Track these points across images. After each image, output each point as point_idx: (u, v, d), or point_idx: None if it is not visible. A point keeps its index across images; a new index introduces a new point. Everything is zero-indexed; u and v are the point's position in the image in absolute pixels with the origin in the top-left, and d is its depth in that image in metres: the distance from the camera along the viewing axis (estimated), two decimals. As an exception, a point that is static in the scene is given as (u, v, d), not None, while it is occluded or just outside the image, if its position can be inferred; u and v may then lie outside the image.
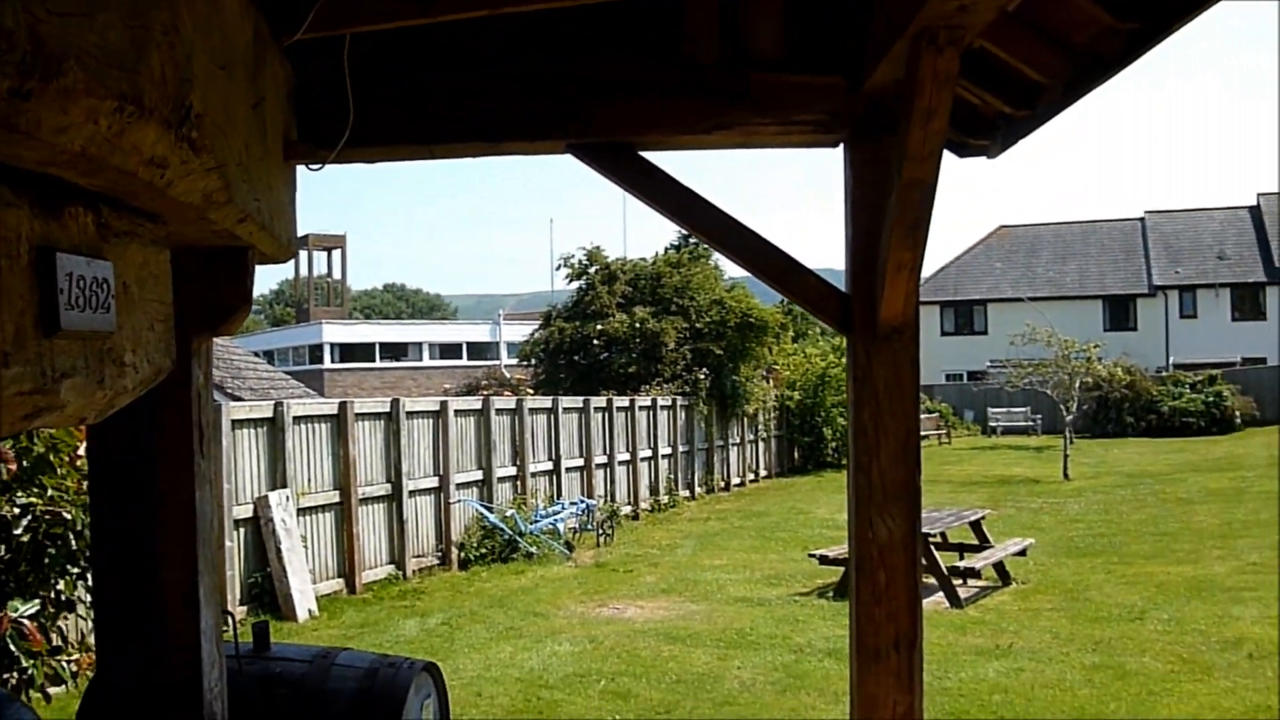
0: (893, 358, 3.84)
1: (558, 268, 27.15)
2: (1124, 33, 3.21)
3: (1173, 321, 49.94)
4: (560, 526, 15.92)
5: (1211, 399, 36.84)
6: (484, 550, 14.66)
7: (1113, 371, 30.96)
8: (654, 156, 3.94)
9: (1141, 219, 54.04)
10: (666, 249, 28.03)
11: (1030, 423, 38.45)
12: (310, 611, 11.29)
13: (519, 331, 41.61)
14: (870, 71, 3.46)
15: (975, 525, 13.30)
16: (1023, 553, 13.19)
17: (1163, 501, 19.70)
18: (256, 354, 32.65)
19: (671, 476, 22.28)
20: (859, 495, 3.88)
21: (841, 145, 3.94)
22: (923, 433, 33.24)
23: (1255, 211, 52.31)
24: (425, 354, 51.68)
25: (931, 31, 2.91)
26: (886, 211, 3.53)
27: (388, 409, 13.64)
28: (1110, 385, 34.46)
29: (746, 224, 3.99)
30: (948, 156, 4.52)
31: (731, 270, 29.65)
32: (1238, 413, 36.75)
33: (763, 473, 27.44)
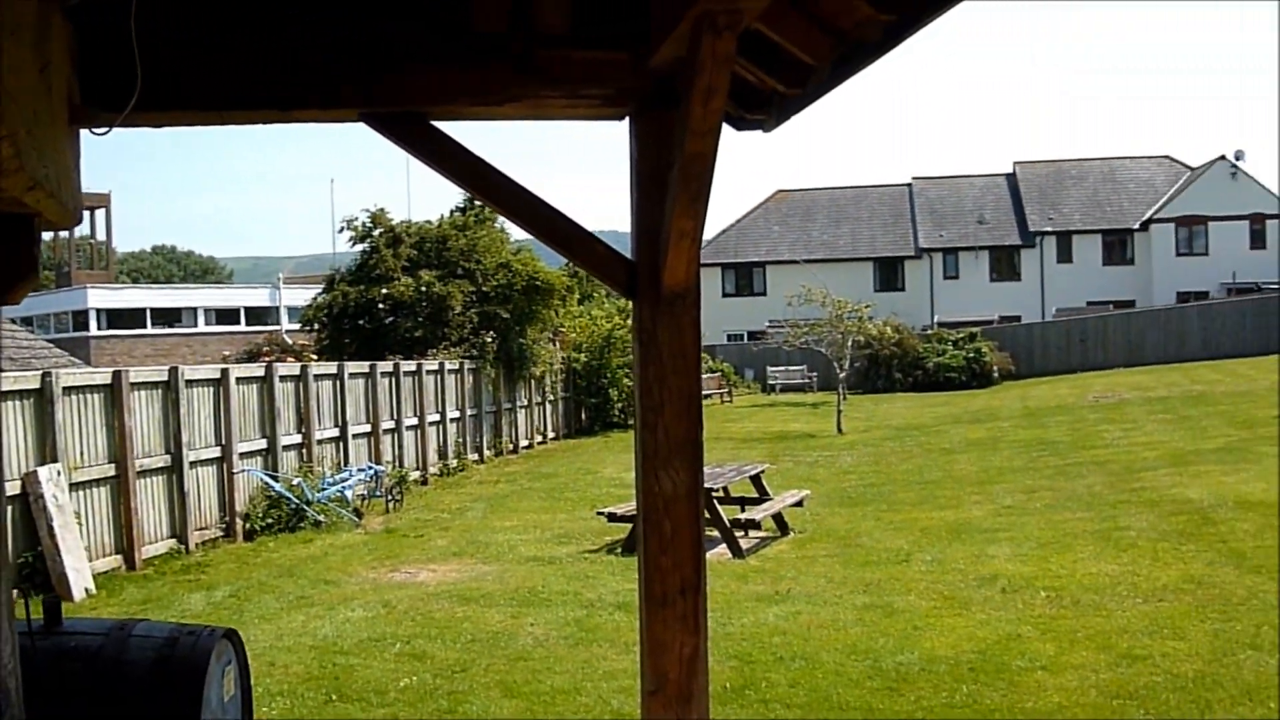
0: (676, 321, 4.04)
1: (340, 230, 26.59)
2: (883, 23, 3.49)
3: (937, 282, 52.78)
4: (348, 494, 15.75)
5: (972, 355, 39.18)
6: (270, 520, 14.38)
7: (882, 330, 32.48)
8: (446, 126, 4.02)
9: (909, 185, 56.74)
10: (452, 211, 27.77)
11: (807, 380, 40.04)
12: (87, 590, 10.88)
13: (300, 296, 40.56)
14: (654, 50, 3.63)
15: (756, 479, 13.90)
16: (800, 504, 13.86)
17: (927, 452, 20.94)
18: (14, 321, 30.75)
19: (460, 440, 22.28)
20: (645, 451, 4.08)
21: (627, 118, 4.11)
22: (705, 392, 34.12)
23: (1012, 179, 55.72)
24: (200, 320, 49.72)
25: (711, 15, 3.10)
26: (670, 183, 3.72)
27: (166, 378, 13.17)
28: (880, 343, 36.19)
29: (536, 192, 4.12)
30: (726, 128, 4.79)
31: (517, 233, 29.68)
32: (995, 368, 39.22)
33: (550, 434, 27.71)
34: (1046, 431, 22.72)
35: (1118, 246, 52.54)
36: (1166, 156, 56.30)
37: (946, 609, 9.13)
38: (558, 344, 28.65)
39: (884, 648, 8.01)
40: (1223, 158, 51.65)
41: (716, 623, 8.77)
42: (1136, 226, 51.95)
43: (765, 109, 4.79)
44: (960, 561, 10.97)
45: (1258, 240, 50.47)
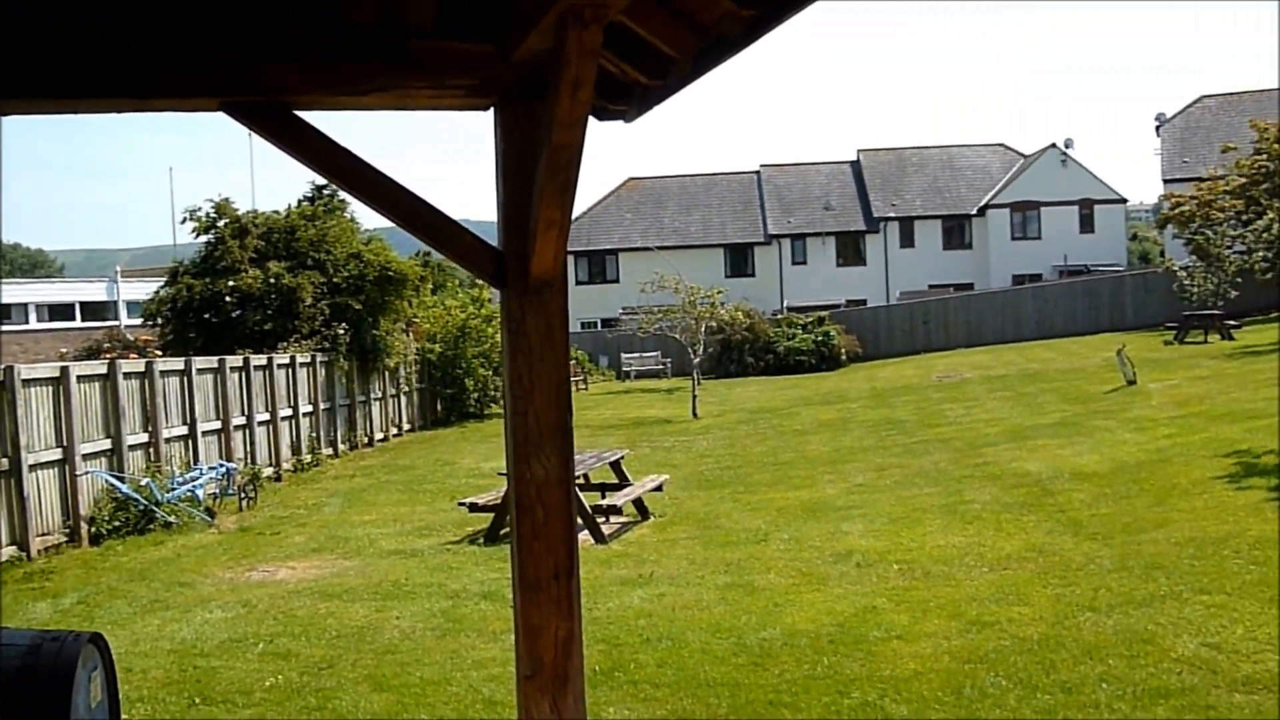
0: (544, 309, 4.11)
1: (183, 221, 25.69)
2: (744, 18, 3.60)
3: (786, 268, 53.87)
4: (199, 493, 15.32)
5: (821, 338, 40.11)
6: (118, 523, 13.88)
7: (734, 316, 33.00)
8: (310, 115, 3.99)
9: (757, 172, 57.70)
10: (301, 201, 27.13)
11: (661, 366, 40.46)
12: (-80, 600, 10.37)
13: (140, 290, 39.11)
14: (520, 41, 3.68)
15: (615, 465, 14.04)
16: (659, 488, 14.05)
17: (781, 434, 21.41)
18: None
19: (314, 435, 21.86)
20: (517, 438, 4.13)
21: (493, 109, 4.14)
22: (563, 380, 34.17)
23: (856, 166, 57.19)
24: (32, 316, 47.53)
25: (577, 9, 3.17)
26: (537, 173, 3.77)
27: (0, 378, 12.61)
28: (732, 329, 36.83)
29: (404, 183, 4.12)
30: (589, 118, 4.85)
31: (369, 222, 29.23)
32: (843, 350, 40.24)
33: (406, 426, 27.40)
34: (894, 411, 23.45)
35: (957, 231, 54.42)
36: (1001, 144, 58.49)
37: (805, 585, 9.40)
38: (411, 335, 28.30)
39: (747, 625, 8.22)
40: (1053, 146, 53.93)
41: (583, 608, 8.88)
42: (974, 212, 53.88)
43: (627, 99, 4.87)
44: (816, 539, 11.29)
45: (1086, 225, 52.87)
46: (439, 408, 29.62)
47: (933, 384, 28.67)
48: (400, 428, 27.02)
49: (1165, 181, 50.32)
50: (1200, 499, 11.31)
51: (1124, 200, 55.31)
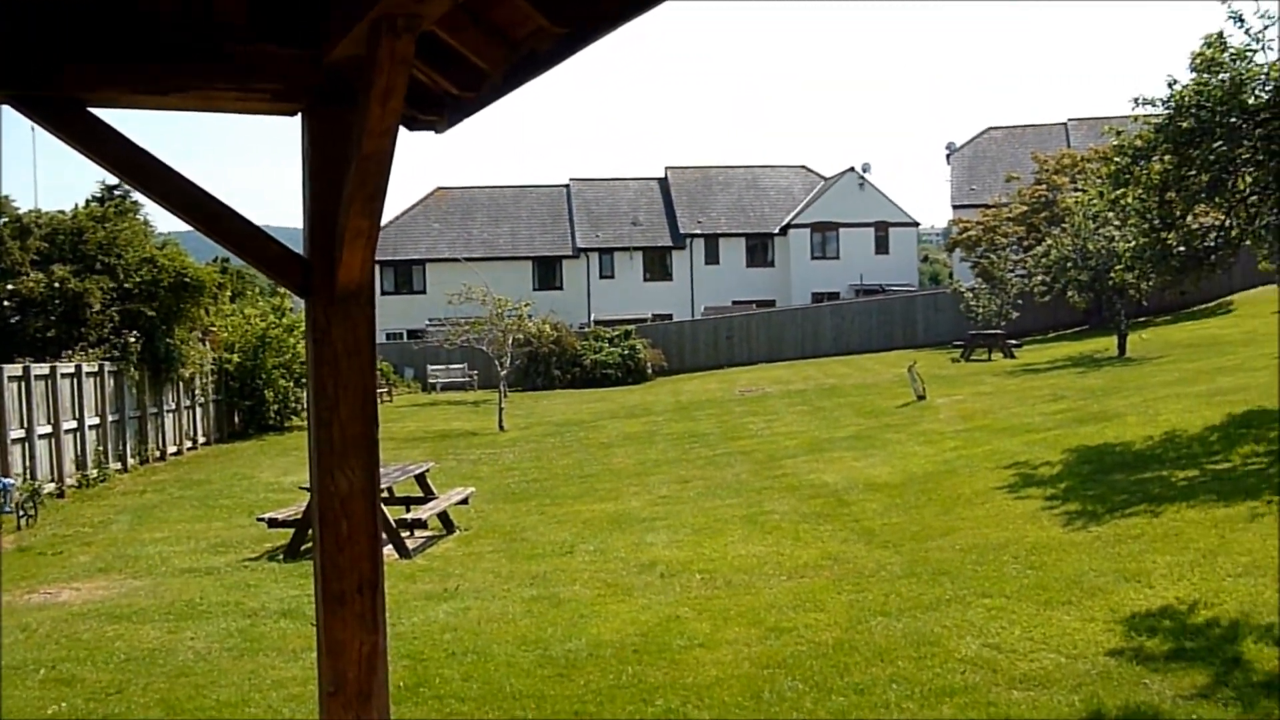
0: (350, 319, 4.04)
1: (-45, 221, 24.11)
2: (557, 35, 3.65)
3: (594, 281, 54.26)
4: (-28, 508, 14.41)
5: (627, 352, 40.54)
6: (-123, 540, 12.93)
7: (541, 328, 33.00)
8: (106, 113, 3.83)
9: (567, 186, 57.93)
10: (89, 201, 25.83)
11: (468, 379, 40.13)
12: None
13: (-95, 292, 36.43)
14: (332, 46, 3.63)
15: (420, 478, 13.87)
16: (464, 501, 13.95)
17: (587, 447, 21.55)
18: None
19: (101, 449, 20.79)
20: (321, 450, 4.06)
21: (302, 115, 4.07)
22: (367, 392, 33.30)
23: (664, 183, 58.09)
24: None
25: (390, 18, 3.15)
26: (345, 182, 3.73)
27: None
28: (540, 341, 36.76)
29: (204, 187, 4.00)
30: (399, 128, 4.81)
31: (164, 225, 28.04)
32: (649, 364, 40.76)
33: (202, 439, 26.35)
34: (697, 424, 23.90)
35: (760, 249, 55.90)
36: (803, 166, 60.40)
37: (610, 596, 9.50)
38: (209, 344, 27.28)
39: (552, 636, 8.25)
40: (851, 169, 56.03)
41: (387, 623, 8.74)
42: (776, 231, 55.46)
43: (439, 110, 4.85)
44: (621, 550, 11.42)
45: (882, 246, 55.11)
46: (237, 420, 28.63)
47: (735, 398, 29.35)
48: (195, 441, 25.97)
49: (954, 207, 52.99)
50: (983, 508, 11.94)
51: (916, 224, 57.92)
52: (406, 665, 7.67)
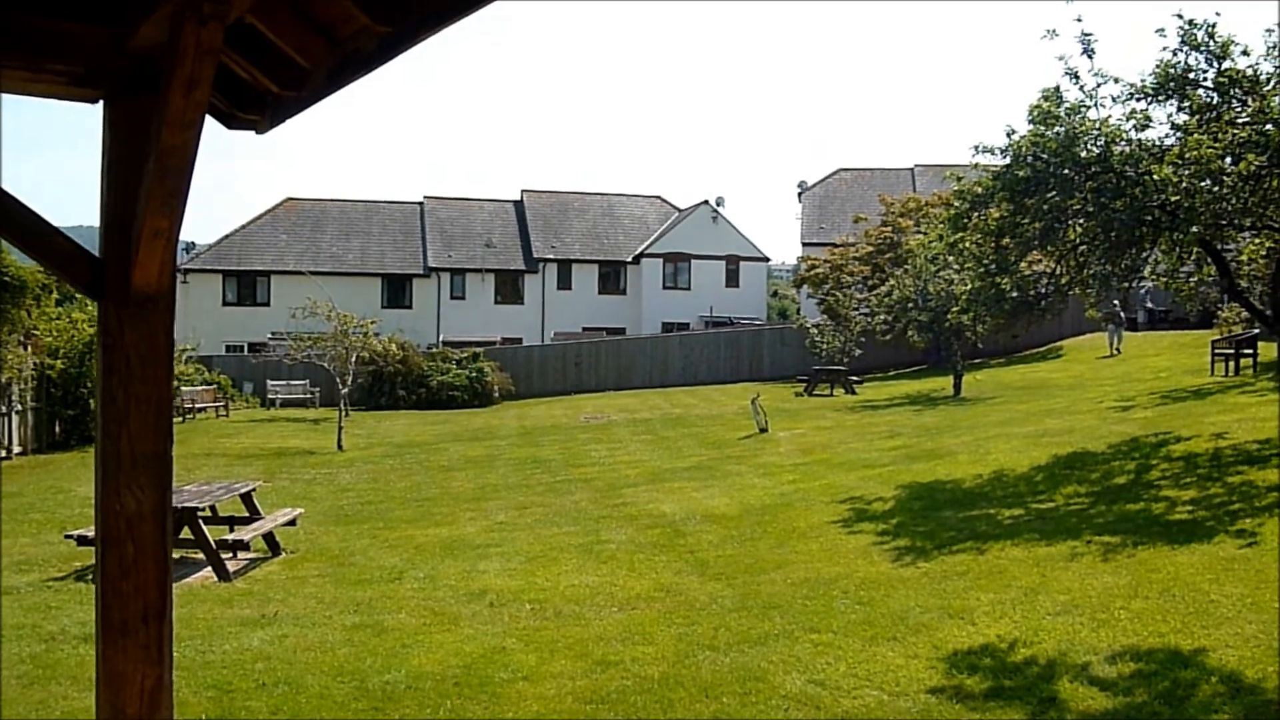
0: (147, 326, 3.75)
1: None
2: (379, 34, 3.45)
3: (444, 302, 53.59)
4: None
5: (474, 374, 40.05)
6: None
7: (388, 347, 32.34)
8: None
9: (421, 203, 57.19)
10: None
11: (309, 395, 39.03)
12: None
13: None
14: (136, 29, 3.37)
15: (246, 497, 13.30)
16: (293, 523, 13.43)
17: (426, 469, 21.10)
18: None
19: (-99, 454, 19.47)
20: (107, 465, 3.75)
21: (102, 102, 3.77)
22: (200, 405, 31.96)
23: (519, 206, 57.87)
24: None
25: (195, 3, 2.92)
26: (145, 176, 3.46)
27: None
28: (385, 360, 36.10)
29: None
30: (217, 127, 4.54)
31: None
32: (496, 387, 40.35)
33: (17, 449, 24.91)
34: (540, 450, 23.67)
35: (612, 277, 56.07)
36: (658, 196, 60.90)
37: (436, 625, 9.20)
38: (30, 348, 25.86)
39: (371, 667, 7.92)
40: (705, 202, 56.73)
41: (196, 651, 8.29)
42: (630, 259, 55.73)
43: (260, 109, 4.60)
44: (452, 578, 11.11)
45: (732, 279, 55.89)
46: (58, 430, 27.18)
47: (580, 424, 29.21)
48: (10, 450, 24.53)
49: (804, 244, 54.10)
50: (816, 542, 12.02)
51: (767, 259, 58.93)
52: (211, 697, 7.25)
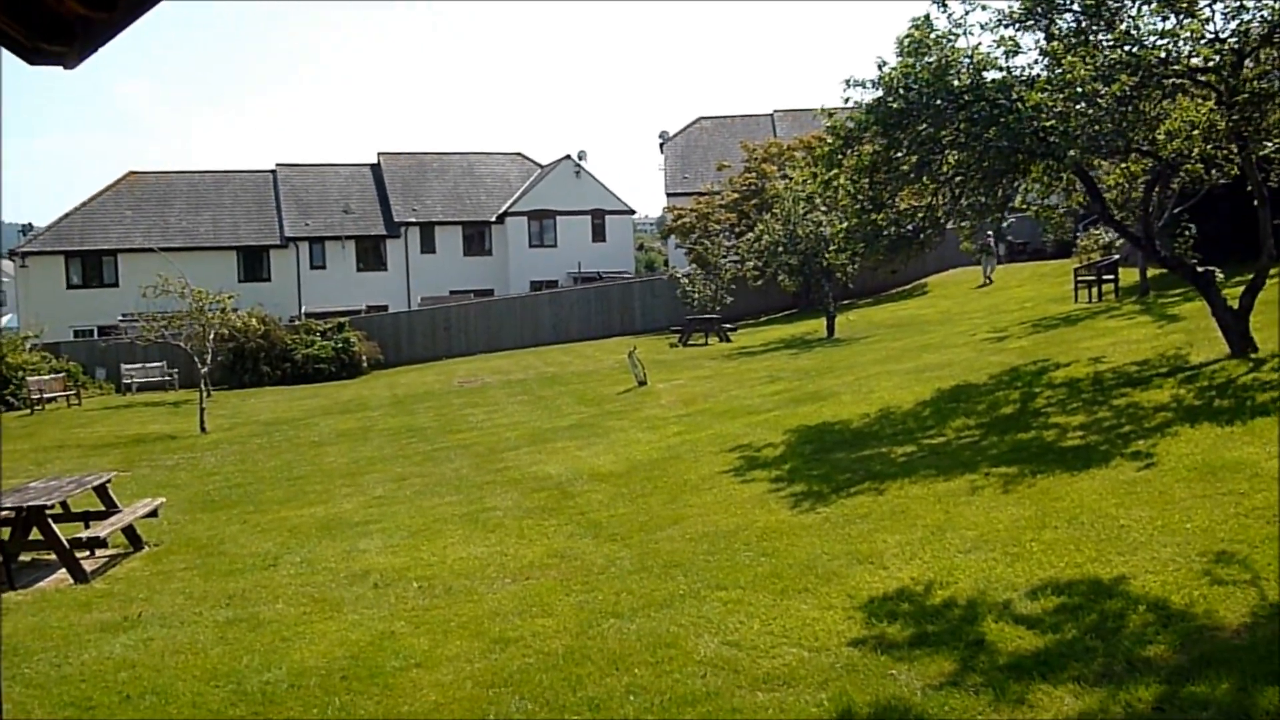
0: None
1: None
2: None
3: (304, 272, 51.90)
4: None
5: (341, 345, 38.81)
6: None
7: (248, 322, 31.11)
8: None
9: (273, 171, 55.16)
10: None
11: (167, 378, 37.32)
12: None
13: None
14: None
15: (101, 490, 12.35)
16: (154, 513, 12.53)
17: (297, 446, 20.18)
18: None
19: None
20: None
21: None
22: (49, 394, 30.28)
23: (377, 169, 56.26)
24: None
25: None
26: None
27: None
28: (246, 336, 34.74)
29: None
30: (16, 62, 3.84)
31: None
32: (364, 357, 39.19)
33: None
34: (415, 418, 22.90)
35: (477, 238, 55.02)
36: (519, 153, 59.88)
37: (317, 613, 8.55)
38: None
39: (249, 666, 7.26)
40: (568, 157, 55.91)
41: (50, 665, 7.52)
42: (493, 219, 54.73)
43: (67, 38, 3.91)
44: (331, 560, 10.44)
45: (599, 234, 55.30)
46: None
47: (455, 389, 28.46)
48: None
49: (668, 195, 53.83)
50: (710, 493, 11.66)
51: (632, 211, 58.44)
52: (70, 715, 6.52)
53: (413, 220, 53.56)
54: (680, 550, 9.41)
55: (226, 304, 27.51)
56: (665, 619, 7.49)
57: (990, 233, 31.73)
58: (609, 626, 7.48)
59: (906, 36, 13.51)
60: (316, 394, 31.83)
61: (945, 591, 7.26)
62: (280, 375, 37.39)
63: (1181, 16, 12.49)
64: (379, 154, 57.04)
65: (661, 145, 58.05)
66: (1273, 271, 14.29)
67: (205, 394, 25.74)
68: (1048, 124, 12.40)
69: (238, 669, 7.22)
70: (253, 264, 51.42)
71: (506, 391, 26.17)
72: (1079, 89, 12.04)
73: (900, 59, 13.63)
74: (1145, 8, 12.69)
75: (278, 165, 55.52)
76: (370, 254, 53.35)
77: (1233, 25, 12.73)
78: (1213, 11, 12.72)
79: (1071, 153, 12.04)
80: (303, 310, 47.93)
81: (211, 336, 27.06)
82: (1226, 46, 12.64)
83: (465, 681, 6.65)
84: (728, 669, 6.41)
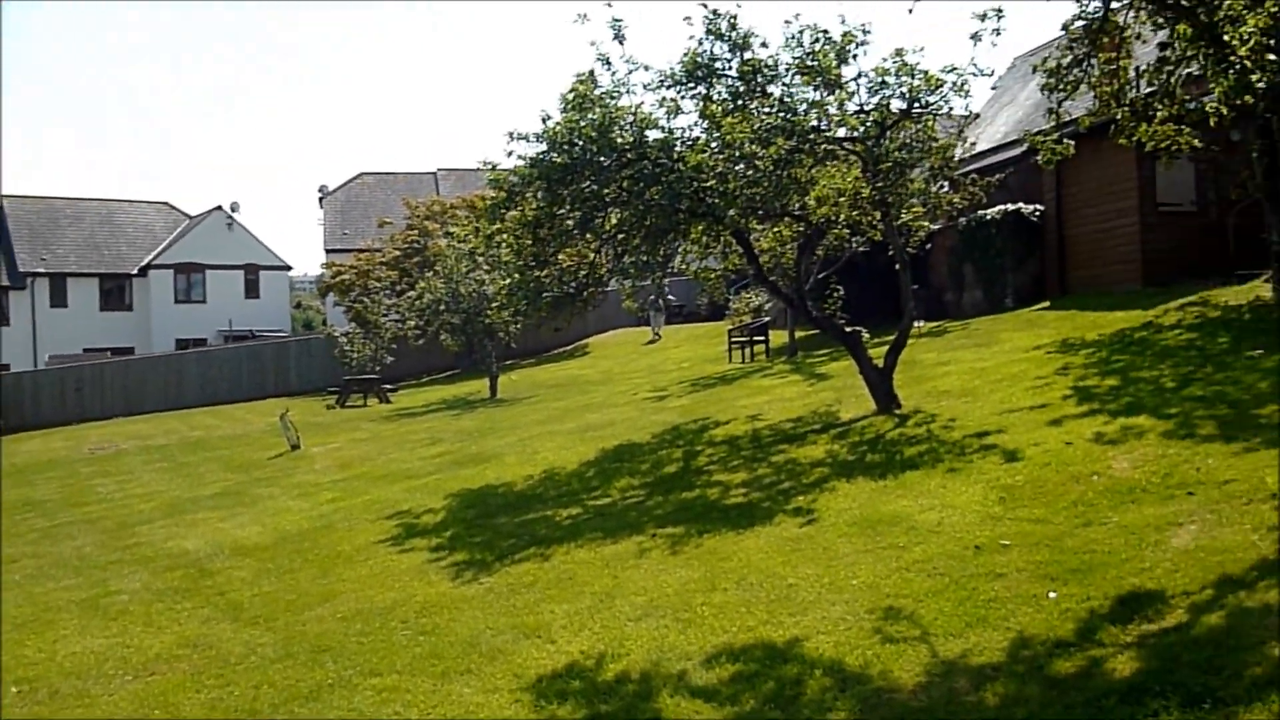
0: None
1: None
2: None
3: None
4: None
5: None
6: None
7: None
8: None
9: None
10: None
11: None
12: None
13: None
14: None
15: None
16: None
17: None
18: None
19: None
20: None
21: None
22: None
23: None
24: None
25: None
26: None
27: None
28: None
29: None
30: None
31: None
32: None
33: None
34: (34, 490, 20.49)
35: (116, 292, 51.20)
36: (166, 203, 56.37)
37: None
38: None
39: None
40: (219, 208, 53.11)
41: None
42: (135, 272, 51.08)
43: None
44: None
45: (252, 290, 52.72)
46: None
47: (85, 457, 25.85)
48: None
49: (327, 251, 52.07)
50: (365, 566, 10.82)
51: (289, 267, 56.23)
52: None
53: (42, 270, 49.13)
54: (331, 632, 8.55)
55: None
56: (310, 714, 6.65)
57: (654, 294, 32.65)
58: (243, 727, 6.56)
59: (571, 91, 13.36)
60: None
61: (617, 665, 6.83)
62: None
63: (829, 89, 13.03)
64: (2, 197, 52.03)
65: (321, 200, 56.22)
66: (913, 332, 15.07)
67: None
68: (708, 184, 12.53)
69: None
70: None
71: (144, 458, 23.99)
72: (738, 151, 12.24)
73: (564, 114, 13.45)
74: (797, 78, 13.13)
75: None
76: (-9, 308, 48.42)
77: (875, 100, 13.41)
78: (858, 86, 13.35)
79: (731, 213, 12.20)
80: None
81: None
82: (870, 119, 13.28)
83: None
84: (379, 770, 5.68)
